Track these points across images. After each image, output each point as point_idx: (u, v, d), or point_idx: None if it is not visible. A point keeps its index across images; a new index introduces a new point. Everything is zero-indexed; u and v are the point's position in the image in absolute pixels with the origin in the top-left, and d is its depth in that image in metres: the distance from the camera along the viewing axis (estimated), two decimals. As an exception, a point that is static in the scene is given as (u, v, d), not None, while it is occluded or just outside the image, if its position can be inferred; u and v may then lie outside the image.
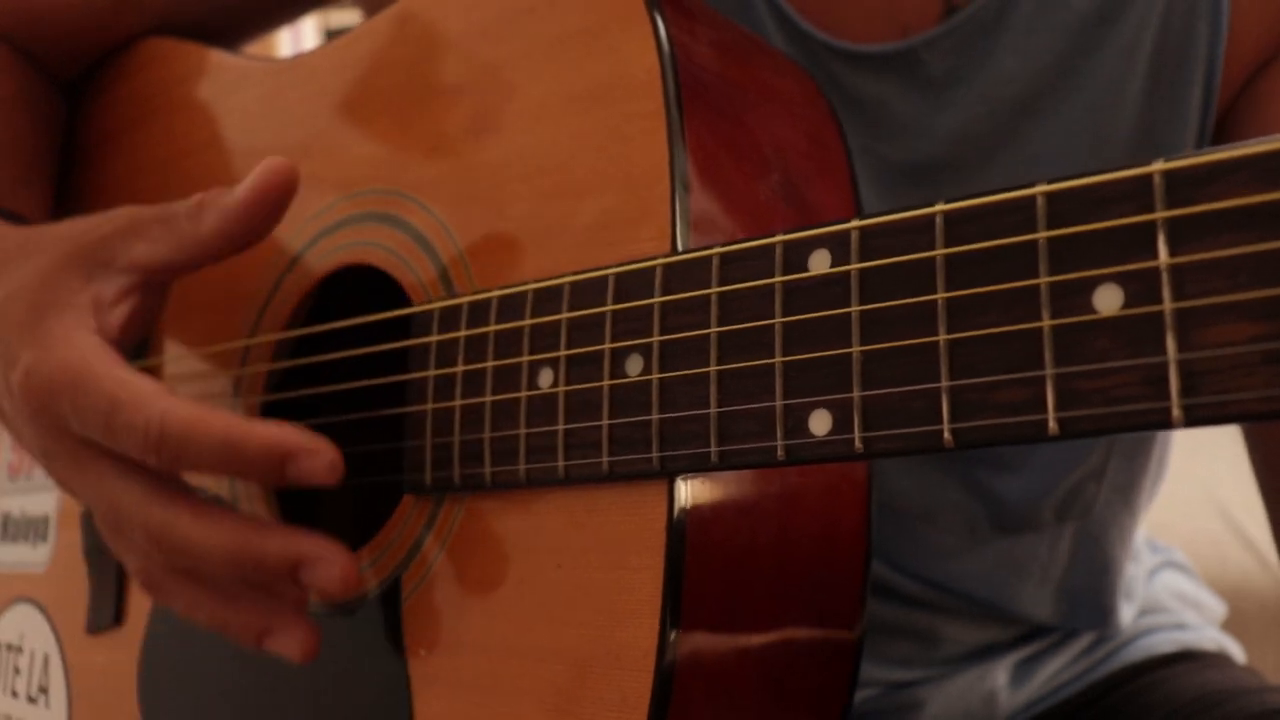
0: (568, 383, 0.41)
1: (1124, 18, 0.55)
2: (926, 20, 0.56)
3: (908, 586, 0.66)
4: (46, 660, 0.65)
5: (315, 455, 0.42)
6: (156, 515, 0.44)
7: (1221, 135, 0.58)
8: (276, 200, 0.47)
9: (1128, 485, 0.67)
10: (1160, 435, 0.69)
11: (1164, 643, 0.73)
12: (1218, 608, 0.80)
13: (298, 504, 0.57)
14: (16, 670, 0.68)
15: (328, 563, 0.43)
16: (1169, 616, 0.76)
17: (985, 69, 0.56)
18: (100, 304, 0.48)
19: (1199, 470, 1.09)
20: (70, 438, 0.46)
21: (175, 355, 0.61)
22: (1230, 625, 0.82)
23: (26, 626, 0.68)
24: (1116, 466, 0.65)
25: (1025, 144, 0.57)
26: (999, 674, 0.70)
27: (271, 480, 0.43)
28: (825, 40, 0.57)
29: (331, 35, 0.57)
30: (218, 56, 0.65)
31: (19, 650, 0.68)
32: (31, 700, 0.66)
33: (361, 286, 0.54)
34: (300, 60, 0.59)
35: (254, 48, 0.75)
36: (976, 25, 0.56)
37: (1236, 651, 0.76)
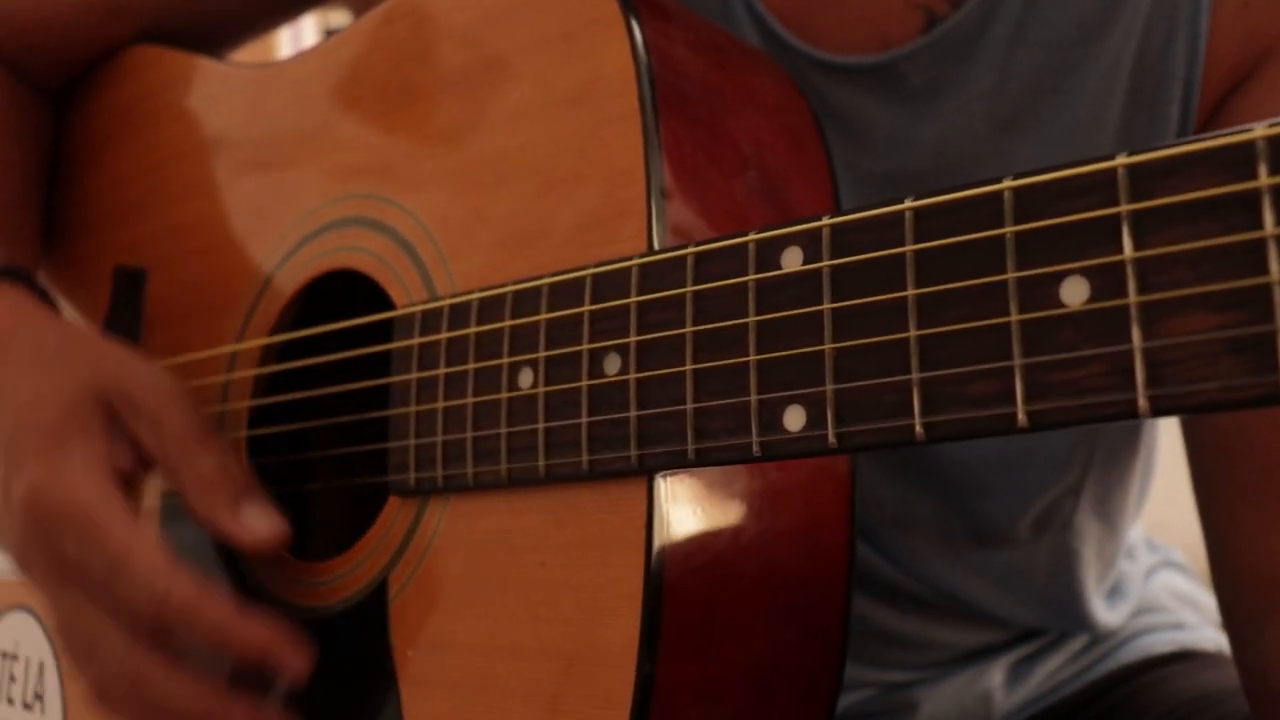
0: (547, 383, 0.42)
1: (1105, 37, 0.55)
2: (907, 33, 0.57)
3: (899, 580, 0.66)
4: (42, 668, 0.66)
5: (290, 660, 0.46)
6: (133, 662, 0.47)
7: None
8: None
9: (1105, 499, 0.67)
10: (1142, 449, 0.69)
11: (1162, 642, 0.73)
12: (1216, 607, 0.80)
13: (291, 506, 0.58)
14: (12, 678, 0.68)
15: None
16: (1167, 616, 0.76)
17: (965, 83, 0.56)
18: (114, 442, 0.50)
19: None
20: (60, 565, 0.48)
21: (163, 361, 0.61)
22: (1228, 625, 0.81)
23: (22, 634, 0.68)
24: (1094, 481, 0.65)
25: (1005, 160, 0.57)
26: (995, 674, 0.70)
27: (250, 663, 0.47)
28: (805, 50, 0.57)
29: (331, 35, 0.57)
30: (203, 63, 0.65)
31: (14, 658, 0.68)
32: (27, 707, 0.66)
33: (346, 290, 0.54)
34: (284, 66, 0.59)
35: (254, 47, 0.76)
36: (957, 39, 0.56)
37: (1234, 651, 0.76)
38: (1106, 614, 0.71)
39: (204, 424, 0.51)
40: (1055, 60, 0.56)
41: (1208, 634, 0.76)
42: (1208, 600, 0.80)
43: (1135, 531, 0.79)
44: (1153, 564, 0.81)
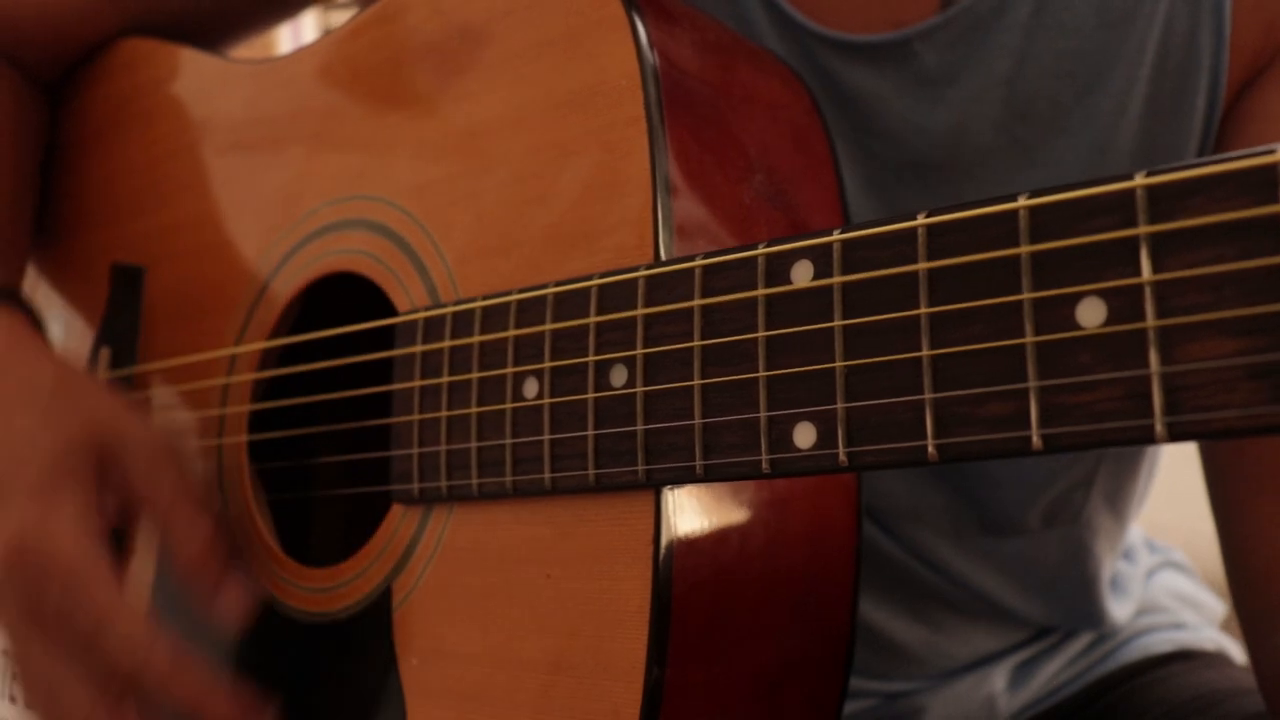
0: (553, 394, 0.41)
1: (1127, 24, 0.54)
2: (921, 13, 0.56)
3: (910, 567, 0.65)
4: (42, 666, 0.65)
5: None
6: (99, 715, 0.47)
7: (1214, 151, 0.57)
8: None
9: (1115, 493, 0.67)
10: (1149, 446, 0.68)
11: (1162, 642, 0.73)
12: (1217, 607, 0.80)
13: (290, 511, 0.57)
14: (12, 675, 0.68)
15: None
16: (1167, 616, 0.76)
17: (981, 67, 0.55)
18: (103, 495, 0.50)
19: (1199, 470, 1.07)
20: (36, 613, 0.48)
21: (162, 362, 0.61)
22: (1229, 625, 0.81)
23: (21, 632, 0.67)
24: (1105, 474, 0.64)
25: (1023, 148, 0.56)
26: (997, 678, 0.70)
27: None
28: (816, 30, 0.56)
29: (330, 32, 0.56)
30: (196, 58, 0.64)
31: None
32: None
33: (347, 292, 0.53)
34: (280, 63, 0.58)
35: (254, 46, 0.74)
36: (972, 21, 0.55)
37: (1235, 651, 0.76)
38: (1117, 608, 0.71)
39: (198, 484, 0.52)
40: (1075, 47, 0.55)
41: (1208, 634, 0.76)
42: (1208, 600, 0.80)
43: (1135, 532, 0.79)
44: (1153, 564, 0.81)
